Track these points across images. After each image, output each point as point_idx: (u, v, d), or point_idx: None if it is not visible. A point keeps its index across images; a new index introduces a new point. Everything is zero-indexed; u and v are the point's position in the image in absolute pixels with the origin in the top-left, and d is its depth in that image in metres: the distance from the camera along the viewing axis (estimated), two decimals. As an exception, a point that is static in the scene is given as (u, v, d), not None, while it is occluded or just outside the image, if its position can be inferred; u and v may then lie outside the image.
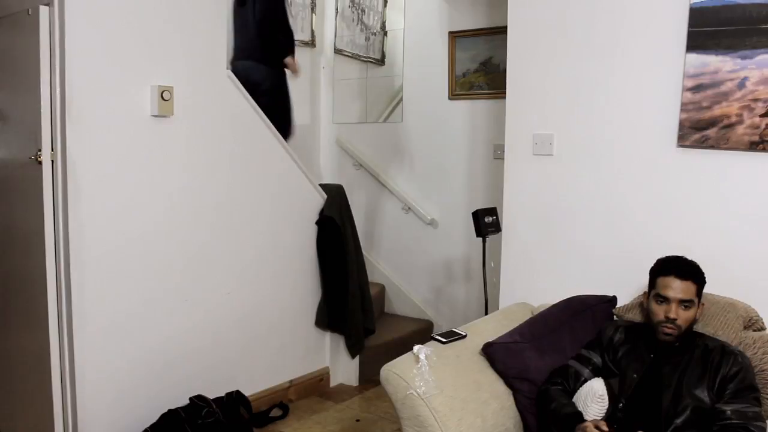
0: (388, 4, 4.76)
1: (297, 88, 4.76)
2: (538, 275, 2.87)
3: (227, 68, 3.11)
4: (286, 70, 3.83)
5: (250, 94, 3.16)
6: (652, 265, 2.21)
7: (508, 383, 2.32)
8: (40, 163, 2.53)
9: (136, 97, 2.72)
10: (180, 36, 2.85)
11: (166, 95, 2.75)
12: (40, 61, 2.48)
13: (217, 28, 3.03)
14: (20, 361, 2.84)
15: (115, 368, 2.73)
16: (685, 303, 2.08)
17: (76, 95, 2.52)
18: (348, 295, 3.66)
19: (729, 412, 1.94)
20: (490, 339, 2.38)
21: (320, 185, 3.73)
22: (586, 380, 2.22)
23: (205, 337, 3.10)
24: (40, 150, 2.53)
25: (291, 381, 3.60)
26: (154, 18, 2.75)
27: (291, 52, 3.77)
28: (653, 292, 2.16)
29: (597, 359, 2.26)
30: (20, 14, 2.58)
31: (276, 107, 3.52)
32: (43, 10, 2.47)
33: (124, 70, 2.67)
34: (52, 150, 2.54)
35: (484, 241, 3.26)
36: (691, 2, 2.39)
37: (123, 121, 2.67)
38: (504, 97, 2.97)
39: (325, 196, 3.70)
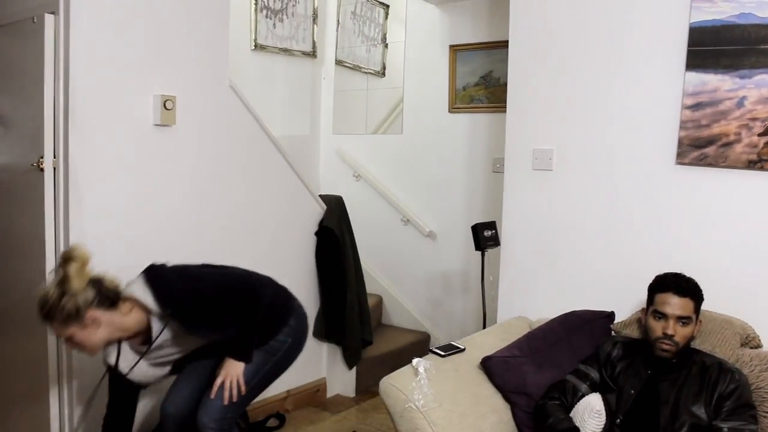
0: (389, 17, 4.80)
1: (298, 98, 4.79)
2: (537, 290, 2.88)
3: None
4: None
5: None
6: (651, 281, 2.23)
7: (506, 397, 2.33)
8: (41, 169, 2.54)
9: (139, 105, 2.73)
10: (183, 46, 2.87)
11: (168, 105, 2.76)
12: (44, 68, 2.49)
13: (221, 39, 3.04)
14: (18, 367, 2.84)
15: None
16: (683, 320, 2.10)
17: (79, 103, 2.52)
18: (346, 306, 3.67)
19: (726, 430, 1.96)
20: (489, 353, 2.39)
21: (320, 196, 3.74)
22: (583, 395, 2.22)
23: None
24: (42, 157, 2.54)
25: (288, 391, 3.59)
26: (158, 28, 2.76)
27: None
28: (651, 309, 2.17)
29: (595, 374, 2.27)
30: (25, 22, 2.59)
31: None
32: (48, 19, 2.48)
33: (128, 79, 2.68)
34: (54, 157, 2.55)
35: (483, 255, 3.27)
36: (691, 22, 2.42)
37: (125, 129, 2.68)
38: (504, 111, 2.99)
39: (325, 207, 3.71)
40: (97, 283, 2.07)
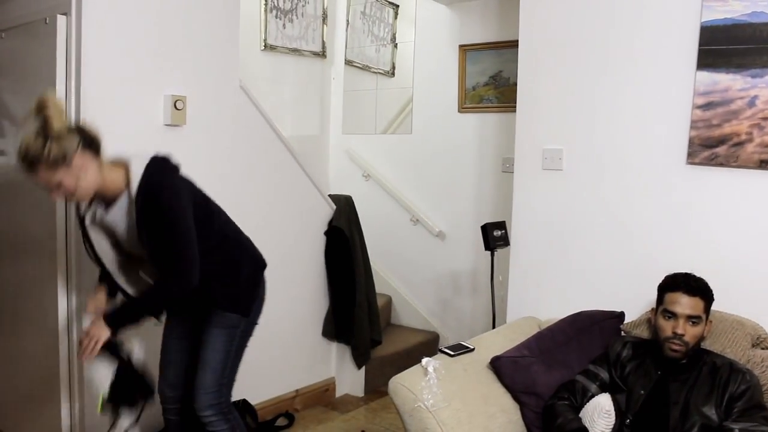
0: (398, 16, 4.80)
1: (308, 98, 4.80)
2: (546, 289, 2.87)
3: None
4: None
5: None
6: (661, 281, 2.22)
7: (515, 397, 2.32)
8: (53, 169, 2.55)
9: (150, 106, 2.74)
10: (194, 47, 2.88)
11: (179, 105, 2.77)
12: (56, 69, 2.52)
13: (231, 39, 3.06)
14: (29, 366, 2.86)
15: (123, 375, 2.74)
16: (693, 319, 2.09)
17: (90, 103, 2.54)
18: (355, 306, 3.67)
19: (737, 431, 1.94)
20: (498, 353, 2.39)
21: (329, 196, 3.75)
22: (593, 395, 2.22)
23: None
24: (54, 157, 2.55)
25: (297, 391, 3.60)
26: (168, 29, 2.78)
27: None
28: (661, 308, 2.17)
29: (604, 375, 2.26)
30: (38, 23, 2.61)
31: None
32: (61, 20, 2.50)
33: (138, 79, 2.69)
34: (66, 157, 2.56)
35: (492, 255, 3.27)
36: (702, 21, 2.41)
37: (136, 129, 2.70)
38: (513, 111, 2.99)
39: (334, 207, 3.72)
40: (78, 128, 1.98)
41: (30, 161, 1.89)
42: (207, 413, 2.23)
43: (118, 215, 2.06)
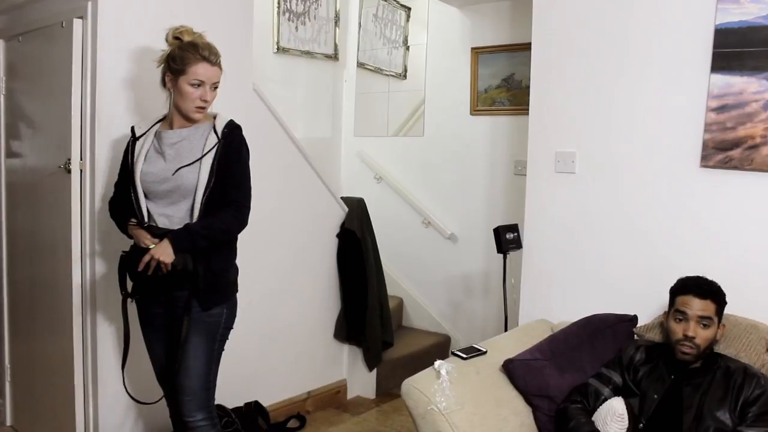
0: (410, 19, 4.81)
1: (320, 100, 4.81)
2: (559, 292, 2.87)
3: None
4: None
5: None
6: (673, 284, 2.22)
7: (528, 400, 2.32)
8: (69, 171, 2.58)
9: (164, 108, 2.75)
10: (208, 49, 2.89)
11: (193, 107, 2.79)
12: (72, 72, 2.54)
13: (244, 42, 3.07)
14: (44, 367, 2.88)
15: (137, 375, 2.76)
16: (704, 321, 2.08)
17: (106, 105, 2.56)
18: (367, 308, 3.68)
19: (751, 436, 1.93)
20: (511, 356, 2.39)
21: (341, 198, 3.76)
22: (606, 399, 2.21)
23: (225, 347, 3.12)
24: (69, 159, 2.58)
25: (309, 392, 3.61)
26: (183, 31, 2.79)
27: None
28: (672, 311, 2.16)
29: (617, 378, 2.25)
30: (54, 27, 2.64)
31: None
32: (77, 23, 2.53)
33: (153, 83, 2.69)
34: (81, 159, 2.59)
35: (505, 258, 3.26)
36: (717, 23, 2.40)
37: (151, 131, 2.71)
38: (526, 114, 2.99)
39: (347, 209, 3.73)
40: None
41: (217, 57, 2.25)
42: (197, 417, 2.23)
43: (182, 136, 2.26)
